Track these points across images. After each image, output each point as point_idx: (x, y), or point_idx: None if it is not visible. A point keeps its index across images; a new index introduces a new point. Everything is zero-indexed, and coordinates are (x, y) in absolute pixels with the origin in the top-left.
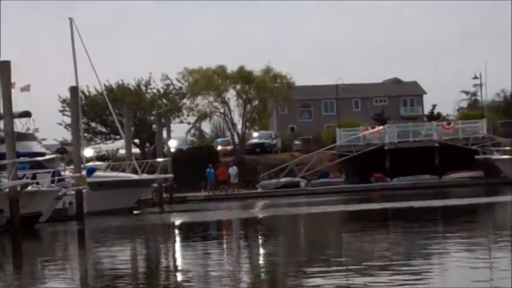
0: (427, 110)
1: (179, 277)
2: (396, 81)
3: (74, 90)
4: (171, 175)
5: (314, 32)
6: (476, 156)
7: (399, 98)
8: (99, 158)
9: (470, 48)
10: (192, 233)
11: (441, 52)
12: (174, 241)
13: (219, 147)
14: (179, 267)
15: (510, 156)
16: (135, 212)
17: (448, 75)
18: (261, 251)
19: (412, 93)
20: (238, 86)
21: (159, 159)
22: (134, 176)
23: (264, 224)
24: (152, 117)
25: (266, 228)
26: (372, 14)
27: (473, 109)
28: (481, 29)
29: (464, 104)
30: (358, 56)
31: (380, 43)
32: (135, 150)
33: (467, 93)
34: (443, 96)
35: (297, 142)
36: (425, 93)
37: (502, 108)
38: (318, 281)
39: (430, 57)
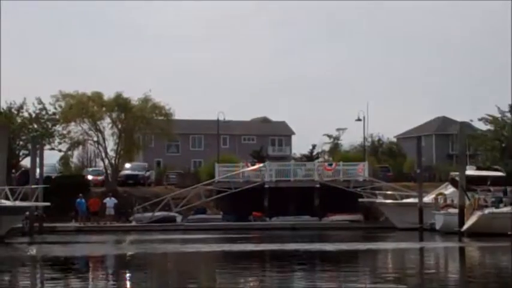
0: (294, 151)
1: None
2: (265, 121)
3: None
4: (46, 203)
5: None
6: (360, 200)
7: (268, 137)
8: None
9: (339, 91)
10: (60, 268)
11: (312, 93)
12: (41, 276)
13: (90, 177)
14: None
15: (393, 201)
16: (6, 241)
17: (315, 117)
18: None
19: (280, 133)
20: (114, 114)
21: (35, 186)
22: (8, 203)
23: (133, 262)
24: (21, 143)
25: (134, 267)
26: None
27: (335, 153)
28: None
29: (327, 148)
30: (227, 92)
31: (251, 80)
32: None
33: (330, 136)
34: (309, 138)
35: (172, 176)
36: (293, 133)
37: (369, 153)
38: None
39: (299, 98)
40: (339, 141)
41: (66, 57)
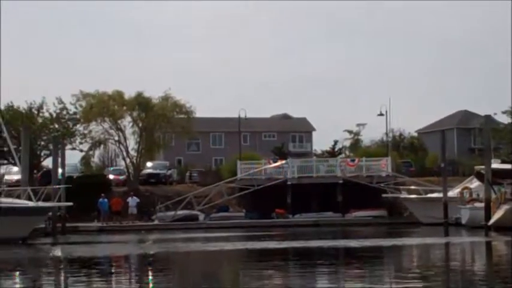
0: (315, 147)
1: None
2: (285, 117)
3: None
4: (69, 203)
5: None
6: (384, 195)
7: (288, 133)
8: None
9: (357, 88)
10: (83, 268)
11: (331, 90)
12: (66, 276)
13: (111, 176)
14: None
15: (418, 196)
16: (29, 242)
17: (334, 113)
18: None
19: (301, 129)
20: (135, 113)
21: (57, 186)
22: (30, 203)
23: (156, 262)
24: (42, 143)
25: (157, 267)
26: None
27: (356, 148)
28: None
29: (347, 143)
30: (246, 89)
31: (269, 77)
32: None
33: (350, 132)
34: (330, 134)
35: (194, 174)
36: (314, 129)
37: (391, 148)
38: None
39: (317, 94)
40: (360, 137)
41: (70, 58)
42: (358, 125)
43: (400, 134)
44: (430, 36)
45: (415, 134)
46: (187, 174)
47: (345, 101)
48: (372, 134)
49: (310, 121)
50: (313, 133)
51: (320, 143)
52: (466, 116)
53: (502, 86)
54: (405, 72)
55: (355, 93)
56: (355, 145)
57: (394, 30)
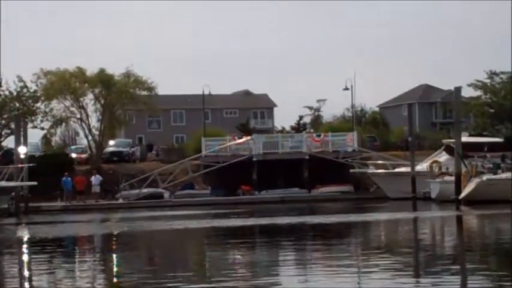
0: (276, 124)
1: None
2: (246, 93)
3: None
4: (34, 183)
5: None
6: (352, 170)
7: (250, 110)
8: None
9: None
10: (47, 249)
11: (290, 66)
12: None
13: (74, 155)
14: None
15: (386, 171)
16: None
17: (295, 89)
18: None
19: (262, 105)
20: (97, 90)
21: (21, 165)
22: None
23: (120, 241)
24: (3, 122)
25: (121, 246)
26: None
27: (317, 125)
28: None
29: (308, 119)
30: (207, 66)
31: (230, 53)
32: None
33: (310, 108)
34: (291, 110)
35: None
36: (275, 106)
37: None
38: None
39: (280, 71)
40: (320, 113)
41: (31, 35)
42: (318, 101)
43: (362, 109)
44: (386, 10)
45: (377, 109)
46: (154, 151)
47: (305, 78)
48: (332, 110)
49: (272, 97)
50: (275, 109)
51: (281, 119)
52: (426, 90)
53: (460, 60)
54: (364, 48)
55: (315, 70)
56: (316, 121)
57: (354, 5)
